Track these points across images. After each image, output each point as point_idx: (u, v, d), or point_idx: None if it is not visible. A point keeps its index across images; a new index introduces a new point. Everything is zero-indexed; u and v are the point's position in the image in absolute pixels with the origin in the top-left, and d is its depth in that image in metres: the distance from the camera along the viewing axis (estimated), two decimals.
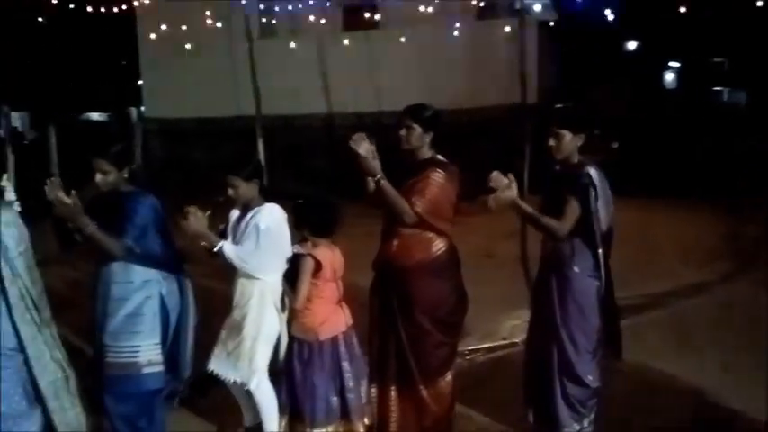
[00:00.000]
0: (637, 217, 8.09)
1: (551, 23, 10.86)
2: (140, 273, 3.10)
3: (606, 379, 3.34)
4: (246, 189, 3.24)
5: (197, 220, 3.08)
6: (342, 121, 12.29)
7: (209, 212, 3.15)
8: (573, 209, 3.10)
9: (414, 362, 3.26)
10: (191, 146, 13.91)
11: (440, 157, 3.34)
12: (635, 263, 6.23)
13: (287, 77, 11.91)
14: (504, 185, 2.95)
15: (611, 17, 7.32)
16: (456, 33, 10.30)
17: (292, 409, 3.26)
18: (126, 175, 3.13)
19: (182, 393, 3.45)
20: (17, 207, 2.81)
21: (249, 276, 3.24)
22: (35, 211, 3.32)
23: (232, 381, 3.27)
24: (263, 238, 3.17)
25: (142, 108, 16.74)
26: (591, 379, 3.22)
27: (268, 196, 3.34)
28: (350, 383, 3.25)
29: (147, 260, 3.10)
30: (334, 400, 3.23)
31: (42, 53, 19.51)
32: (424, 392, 3.29)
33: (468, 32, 10.75)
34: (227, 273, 3.34)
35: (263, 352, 3.24)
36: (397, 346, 3.29)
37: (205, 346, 3.38)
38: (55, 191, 2.87)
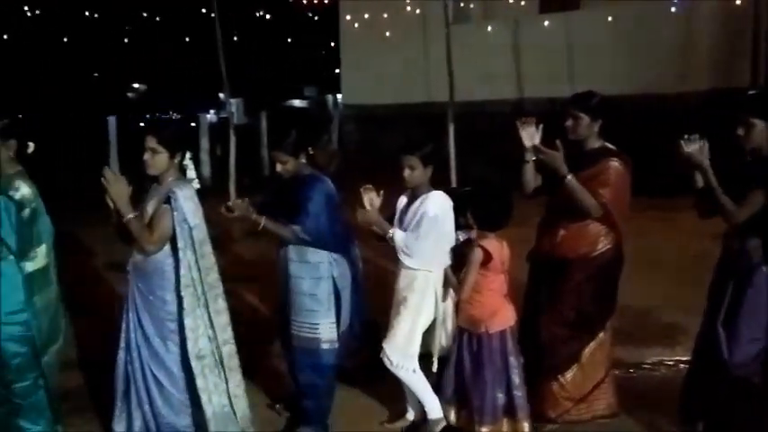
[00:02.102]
0: None
1: None
2: (313, 254, 3.26)
3: None
4: (422, 173, 3.22)
5: (372, 208, 3.15)
6: (533, 107, 11.89)
7: (381, 195, 3.18)
8: (756, 200, 2.84)
9: (544, 353, 3.28)
10: (384, 131, 14.42)
11: (610, 145, 3.22)
12: None
13: (480, 62, 11.80)
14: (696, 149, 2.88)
15: None
16: (673, 9, 9.38)
17: (460, 401, 3.24)
18: (303, 160, 3.29)
19: (358, 372, 3.59)
20: (196, 184, 3.12)
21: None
22: (250, 187, 3.62)
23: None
24: (431, 226, 3.15)
25: (338, 95, 17.66)
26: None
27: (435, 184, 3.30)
28: (517, 380, 3.17)
29: (318, 243, 3.24)
30: (501, 397, 3.16)
31: (255, 44, 21.46)
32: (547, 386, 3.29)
33: (684, 10, 9.77)
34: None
35: (417, 340, 3.24)
36: (534, 338, 3.29)
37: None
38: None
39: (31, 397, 2.70)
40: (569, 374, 3.35)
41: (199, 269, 2.92)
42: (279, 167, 3.27)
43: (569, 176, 3.09)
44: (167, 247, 2.93)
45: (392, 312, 3.33)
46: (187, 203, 2.91)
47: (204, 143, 12.29)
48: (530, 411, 3.20)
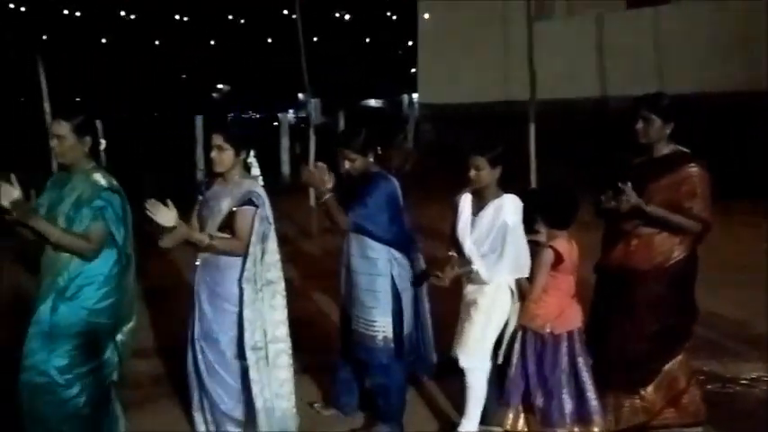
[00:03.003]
0: None
1: None
2: (373, 250, 3.22)
3: None
4: (489, 174, 3.08)
5: (450, 276, 3.04)
6: (617, 105, 11.47)
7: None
8: None
9: (624, 368, 3.15)
10: (460, 131, 14.32)
11: (682, 148, 3.08)
12: None
13: (562, 60, 11.50)
14: None
15: None
16: None
17: (524, 403, 3.14)
18: (371, 159, 3.28)
19: (428, 371, 3.53)
20: (260, 182, 3.17)
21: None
22: None
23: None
24: (512, 236, 3.05)
25: (414, 95, 17.68)
26: None
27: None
28: (587, 383, 3.05)
29: (372, 235, 3.21)
30: (568, 400, 3.04)
31: (334, 44, 21.79)
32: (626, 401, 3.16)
33: None
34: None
35: (490, 340, 3.16)
36: (609, 350, 3.16)
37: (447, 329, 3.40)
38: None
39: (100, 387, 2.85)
40: (650, 387, 3.21)
41: (263, 265, 3.01)
42: (347, 165, 3.26)
43: (649, 209, 2.98)
44: None
45: (461, 315, 3.27)
46: (267, 202, 3.02)
47: (284, 142, 12.60)
48: (604, 415, 3.10)
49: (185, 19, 32.50)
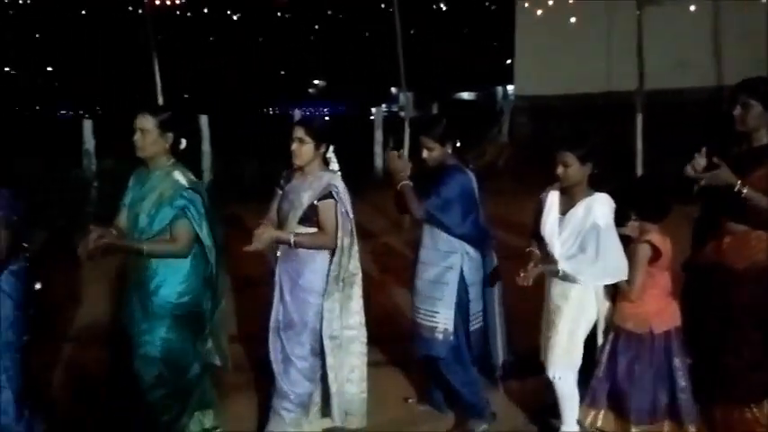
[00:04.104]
0: None
1: None
2: (445, 242, 3.20)
3: None
4: (578, 171, 2.94)
5: (533, 274, 2.92)
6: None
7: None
8: None
9: (727, 380, 2.95)
10: (559, 123, 13.82)
11: None
12: None
13: (673, 47, 10.82)
14: None
15: None
16: None
17: (613, 404, 3.05)
18: (449, 151, 3.23)
19: (499, 371, 3.43)
20: (339, 177, 3.18)
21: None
22: None
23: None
24: (605, 239, 2.88)
25: (509, 86, 17.26)
26: None
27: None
28: (682, 382, 2.96)
29: (448, 230, 3.18)
30: (662, 398, 2.97)
31: (431, 36, 21.71)
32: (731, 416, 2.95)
33: None
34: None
35: (578, 347, 3.05)
36: (708, 359, 3.00)
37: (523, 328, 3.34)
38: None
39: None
40: (766, 405, 2.96)
41: (345, 257, 3.06)
42: (425, 153, 3.25)
43: (745, 190, 2.74)
44: None
45: (545, 321, 3.16)
46: (346, 195, 3.06)
47: (378, 136, 12.66)
48: (697, 416, 2.96)
49: (287, 16, 33.56)
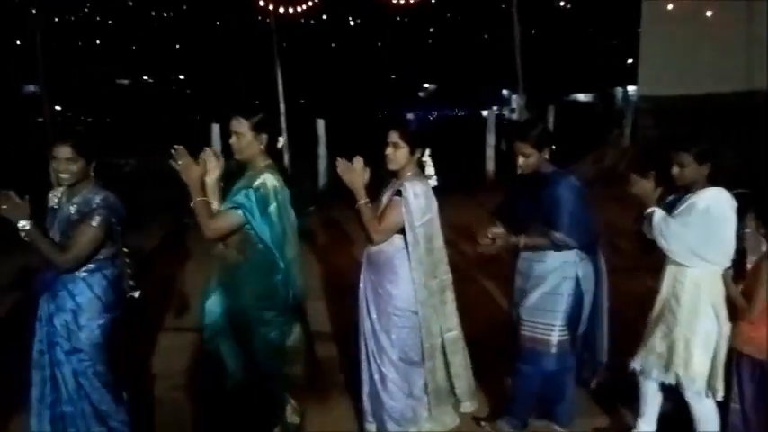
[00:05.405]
0: None
1: None
2: (559, 253, 3.08)
3: None
4: (695, 171, 2.88)
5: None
6: None
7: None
8: None
9: None
10: (689, 126, 12.90)
11: None
12: None
13: None
14: None
15: None
16: None
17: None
18: (546, 156, 3.10)
19: (599, 378, 3.33)
20: (434, 182, 3.11)
21: (681, 265, 2.88)
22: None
23: (667, 383, 2.96)
24: (699, 218, 2.78)
25: (630, 87, 16.37)
26: None
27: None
28: None
29: (580, 245, 3.08)
30: None
31: (550, 37, 21.06)
32: None
33: None
34: (653, 261, 3.03)
35: (700, 356, 2.83)
36: None
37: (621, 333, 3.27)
38: None
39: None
40: None
41: (429, 263, 3.01)
42: (520, 160, 3.11)
43: None
44: (399, 242, 3.02)
45: (652, 322, 3.00)
46: (417, 200, 2.97)
47: (490, 139, 12.44)
48: None
49: (405, 20, 33.94)
